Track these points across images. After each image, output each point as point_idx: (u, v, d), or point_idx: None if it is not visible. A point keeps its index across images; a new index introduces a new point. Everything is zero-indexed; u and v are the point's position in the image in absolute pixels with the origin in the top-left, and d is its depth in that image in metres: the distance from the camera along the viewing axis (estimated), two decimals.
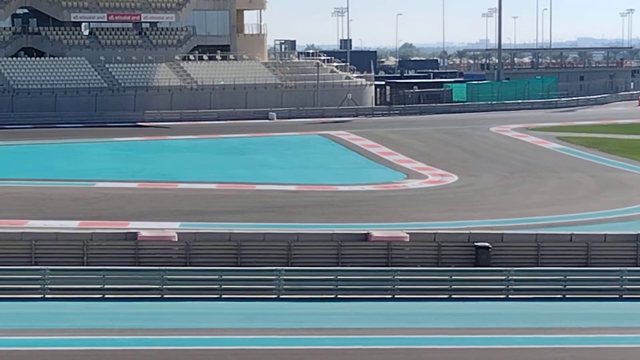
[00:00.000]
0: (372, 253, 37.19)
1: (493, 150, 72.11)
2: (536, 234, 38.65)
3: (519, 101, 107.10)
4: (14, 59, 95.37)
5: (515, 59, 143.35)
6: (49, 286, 32.55)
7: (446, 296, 33.35)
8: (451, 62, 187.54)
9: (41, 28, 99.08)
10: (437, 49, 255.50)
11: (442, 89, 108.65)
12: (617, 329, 30.03)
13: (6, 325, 29.51)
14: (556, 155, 69.22)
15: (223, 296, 32.88)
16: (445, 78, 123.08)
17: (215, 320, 30.52)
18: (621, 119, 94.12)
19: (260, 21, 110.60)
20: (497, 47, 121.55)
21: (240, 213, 47.13)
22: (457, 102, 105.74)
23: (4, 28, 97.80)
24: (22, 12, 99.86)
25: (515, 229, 41.89)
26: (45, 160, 66.72)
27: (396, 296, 33.26)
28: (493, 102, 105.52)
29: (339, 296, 33.11)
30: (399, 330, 29.59)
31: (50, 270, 32.98)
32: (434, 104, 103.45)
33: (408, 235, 37.93)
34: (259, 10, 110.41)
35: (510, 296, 33.38)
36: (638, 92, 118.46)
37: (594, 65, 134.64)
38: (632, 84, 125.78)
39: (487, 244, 37.00)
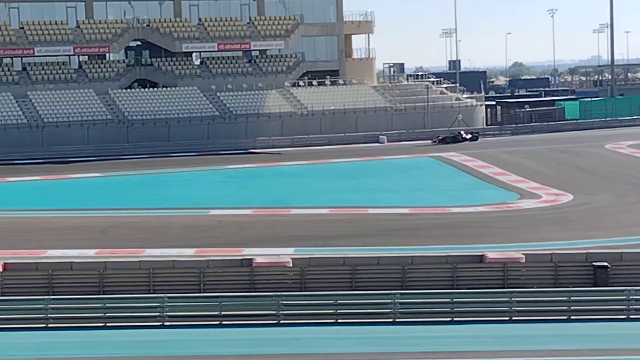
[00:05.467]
0: (487, 275, 36.80)
1: (609, 167, 70.84)
2: None
3: (634, 117, 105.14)
4: (128, 90, 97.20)
5: (629, 74, 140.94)
6: (168, 313, 33.05)
7: (565, 317, 32.82)
8: (562, 80, 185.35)
9: (154, 59, 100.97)
10: (547, 66, 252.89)
11: (554, 107, 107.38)
12: None
13: (125, 352, 30.01)
14: None
15: (339, 321, 32.90)
16: (557, 96, 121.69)
17: (331, 345, 30.55)
18: None
19: (369, 45, 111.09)
20: (609, 63, 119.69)
21: (354, 237, 47.15)
22: (570, 120, 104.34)
23: (118, 61, 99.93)
24: (135, 45, 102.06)
25: (634, 247, 41.04)
26: (160, 189, 67.60)
27: (514, 318, 32.88)
28: (607, 119, 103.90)
29: (455, 319, 32.86)
30: (517, 353, 29.23)
31: (168, 297, 33.50)
32: (546, 123, 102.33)
33: (524, 256, 37.47)
34: (367, 35, 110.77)
35: (631, 316, 32.72)
36: None
37: None
38: None
39: (605, 264, 36.32)
